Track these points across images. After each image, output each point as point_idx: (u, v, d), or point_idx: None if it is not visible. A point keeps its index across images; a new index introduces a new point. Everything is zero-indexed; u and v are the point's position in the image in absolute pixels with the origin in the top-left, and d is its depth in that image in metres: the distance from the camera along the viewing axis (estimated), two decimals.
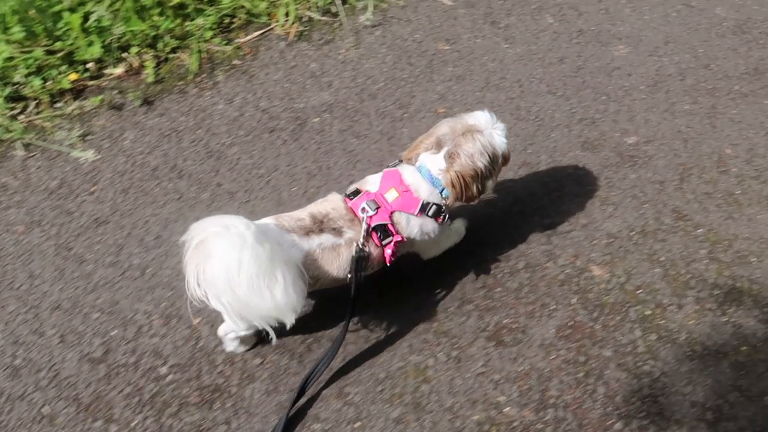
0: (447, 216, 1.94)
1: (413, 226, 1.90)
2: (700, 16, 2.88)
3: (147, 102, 2.60)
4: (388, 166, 1.98)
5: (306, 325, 1.95)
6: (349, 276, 1.82)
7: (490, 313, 1.97)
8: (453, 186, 1.87)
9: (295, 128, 2.49)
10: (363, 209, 1.84)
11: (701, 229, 2.14)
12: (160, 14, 2.75)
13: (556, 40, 2.78)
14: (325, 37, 2.84)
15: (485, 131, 1.91)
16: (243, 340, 1.93)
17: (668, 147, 2.38)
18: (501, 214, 2.21)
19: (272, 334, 1.68)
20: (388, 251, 1.86)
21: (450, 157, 1.88)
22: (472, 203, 1.99)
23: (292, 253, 1.73)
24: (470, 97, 2.56)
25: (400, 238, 1.87)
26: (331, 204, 1.88)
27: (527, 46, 2.75)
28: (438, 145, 1.91)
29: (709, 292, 1.99)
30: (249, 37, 2.84)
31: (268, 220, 1.82)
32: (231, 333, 1.89)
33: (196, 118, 2.54)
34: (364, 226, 1.82)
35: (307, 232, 1.80)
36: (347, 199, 1.89)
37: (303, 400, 1.80)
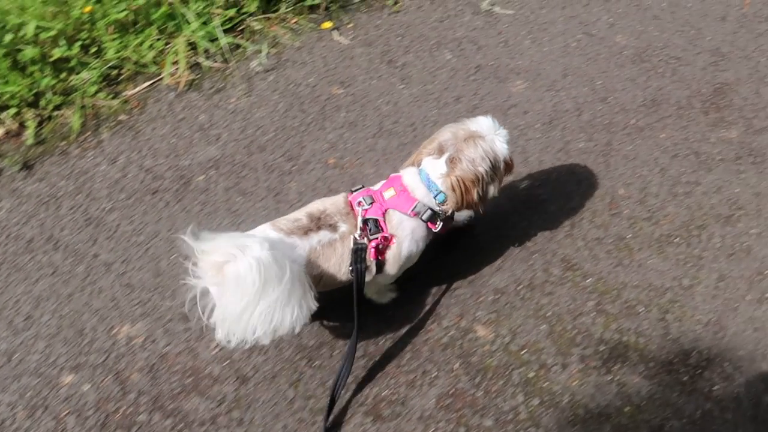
0: (440, 225, 1.93)
1: (405, 227, 1.90)
2: (600, 45, 2.82)
3: (26, 166, 2.48)
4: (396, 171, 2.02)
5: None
6: (350, 269, 1.83)
7: (369, 385, 1.89)
8: (453, 190, 1.87)
9: (179, 188, 2.38)
10: (359, 203, 1.87)
11: (590, 279, 2.09)
12: (41, 70, 2.63)
13: (453, 77, 2.70)
14: (216, 85, 2.73)
15: (487, 137, 1.91)
16: None
17: (561, 190, 2.32)
18: None
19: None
20: (373, 245, 1.85)
21: (451, 162, 1.88)
22: (474, 210, 1.99)
23: (296, 256, 1.75)
24: (362, 144, 2.48)
25: (387, 235, 1.87)
26: (332, 200, 1.91)
27: (423, 86, 2.67)
28: (440, 151, 1.92)
29: (594, 348, 1.93)
30: (137, 90, 2.72)
31: (265, 228, 1.83)
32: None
33: (76, 182, 2.42)
34: (359, 218, 1.85)
35: (306, 231, 1.81)
36: (349, 194, 1.92)
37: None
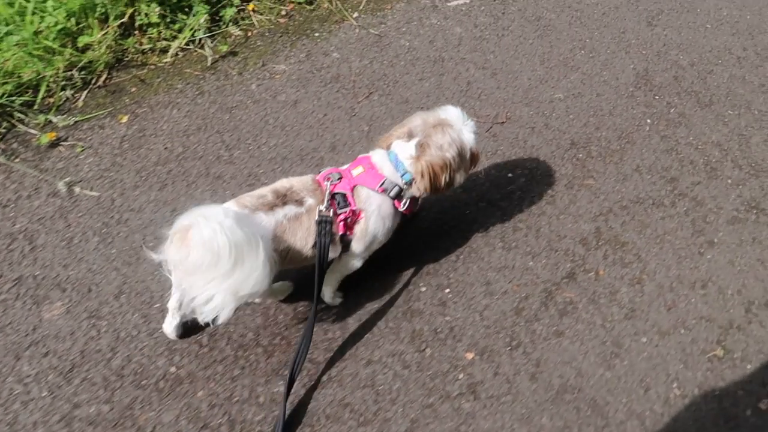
0: (406, 203, 2.03)
1: (372, 203, 1.97)
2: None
3: None
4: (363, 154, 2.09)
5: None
6: (313, 243, 1.87)
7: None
8: (422, 176, 1.97)
9: None
10: (328, 178, 1.94)
11: None
12: None
13: None
14: None
15: (455, 126, 2.02)
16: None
17: None
18: None
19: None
20: (341, 218, 1.91)
21: (421, 147, 1.98)
22: (440, 194, 2.11)
23: (261, 231, 1.77)
24: None
25: (355, 209, 1.93)
26: (298, 178, 1.97)
27: None
28: (409, 135, 2.02)
29: None
30: None
31: (230, 204, 1.85)
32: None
33: None
34: (327, 193, 1.89)
35: (271, 207, 1.85)
36: (317, 175, 1.99)
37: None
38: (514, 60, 3.32)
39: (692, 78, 3.28)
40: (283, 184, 1.94)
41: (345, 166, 2.05)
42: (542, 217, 2.65)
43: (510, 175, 2.81)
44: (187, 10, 3.40)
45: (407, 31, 3.48)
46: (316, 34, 3.45)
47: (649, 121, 3.06)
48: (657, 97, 3.18)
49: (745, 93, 3.22)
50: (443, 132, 1.98)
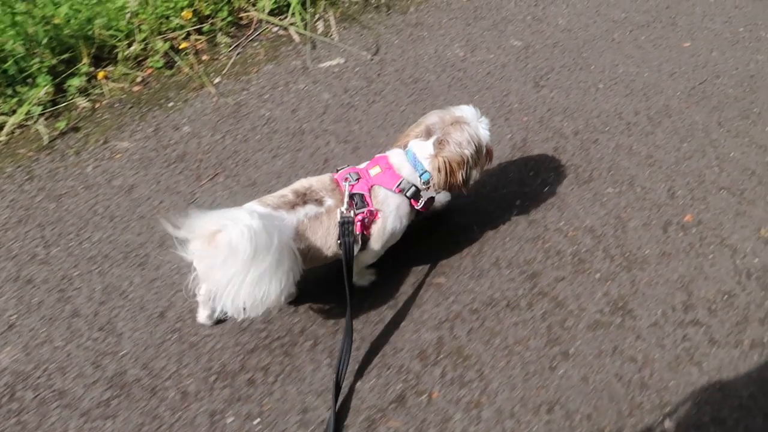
0: (423, 203, 2.06)
1: (390, 203, 2.01)
2: None
3: None
4: (380, 153, 2.13)
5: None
6: (338, 243, 1.92)
7: None
8: (439, 171, 1.99)
9: None
10: (346, 178, 1.97)
11: None
12: None
13: None
14: None
15: (472, 123, 2.05)
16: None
17: None
18: None
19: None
20: (359, 218, 1.95)
21: (439, 144, 2.01)
22: (457, 191, 2.12)
23: (285, 230, 1.81)
24: None
25: (372, 210, 1.97)
26: (317, 178, 2.01)
27: None
28: (427, 133, 2.05)
29: None
30: None
31: (252, 204, 1.90)
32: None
33: None
34: (346, 193, 1.93)
35: (293, 206, 1.89)
36: (335, 174, 2.03)
37: None
38: (381, 131, 3.02)
39: (574, 149, 2.98)
40: (302, 183, 1.99)
41: (363, 165, 2.08)
42: (379, 325, 2.35)
43: None
44: (30, 81, 3.12)
45: (270, 98, 3.19)
46: (170, 104, 3.17)
47: (518, 202, 2.76)
48: (531, 173, 2.88)
49: (630, 166, 2.92)
50: (461, 129, 2.01)
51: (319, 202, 1.94)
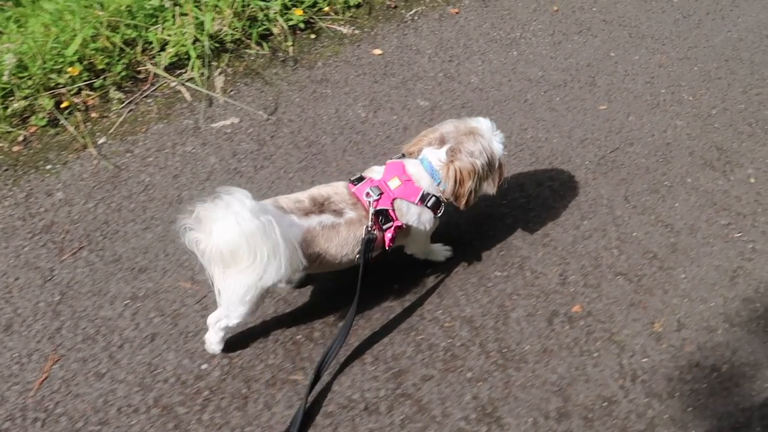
0: (443, 208, 2.13)
1: (412, 214, 2.10)
2: None
3: None
4: (391, 158, 2.16)
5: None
6: (357, 257, 2.03)
7: None
8: (449, 179, 2.04)
9: None
10: (367, 194, 2.01)
11: None
12: None
13: None
14: None
15: (486, 136, 2.10)
16: (225, 336, 2.22)
17: None
18: None
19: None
20: (389, 235, 2.05)
21: (452, 152, 2.05)
22: (462, 203, 2.13)
23: (291, 231, 1.88)
24: None
25: (399, 224, 2.05)
26: (334, 188, 2.06)
27: None
28: (441, 141, 2.10)
29: None
30: None
31: (267, 202, 1.96)
32: (221, 322, 2.12)
33: None
34: (371, 210, 1.99)
35: (307, 213, 1.96)
36: (351, 185, 2.07)
37: None
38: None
39: (467, 225, 2.78)
40: (320, 191, 2.03)
41: (379, 177, 2.11)
42: (223, 428, 2.16)
43: (205, 366, 2.33)
44: None
45: (154, 162, 3.01)
46: (48, 167, 2.99)
47: (396, 286, 2.57)
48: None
49: (523, 246, 2.72)
50: (474, 140, 2.05)
51: (338, 213, 1.99)
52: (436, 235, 2.47)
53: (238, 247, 1.73)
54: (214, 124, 3.18)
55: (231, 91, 3.34)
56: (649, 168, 3.04)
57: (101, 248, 2.68)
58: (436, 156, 2.08)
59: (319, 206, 1.98)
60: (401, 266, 2.60)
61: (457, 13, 3.84)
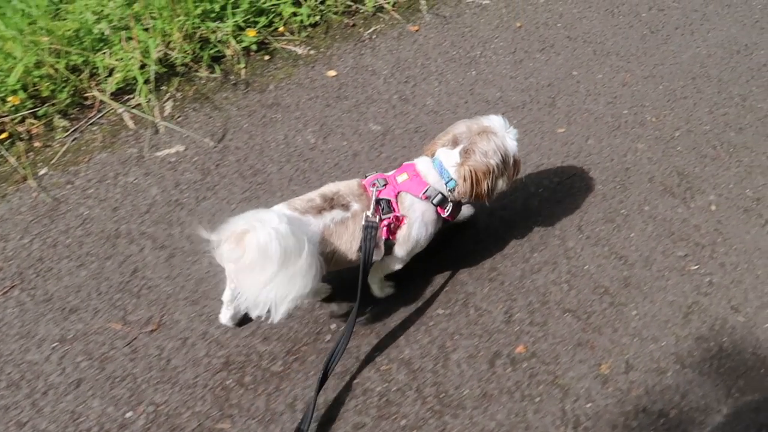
0: (449, 210, 2.10)
1: (416, 209, 2.08)
2: None
3: None
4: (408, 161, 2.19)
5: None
6: (358, 247, 1.99)
7: None
8: (465, 180, 2.04)
9: None
10: (373, 184, 2.05)
11: None
12: None
13: None
14: None
15: (499, 133, 2.09)
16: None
17: None
18: None
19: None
20: (384, 223, 2.02)
21: (465, 153, 2.06)
22: (481, 201, 2.13)
23: (312, 237, 1.88)
24: None
25: (398, 215, 2.04)
26: (345, 183, 2.09)
27: None
28: (454, 143, 2.10)
29: None
30: None
31: (281, 207, 1.99)
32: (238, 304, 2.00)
33: None
34: (373, 198, 2.01)
35: (320, 210, 1.97)
36: (363, 179, 2.11)
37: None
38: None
39: (411, 261, 2.68)
40: (330, 188, 2.04)
41: (391, 173, 2.13)
42: None
43: (130, 413, 2.24)
44: None
45: (94, 193, 2.93)
46: None
47: (333, 326, 2.47)
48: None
49: (469, 281, 2.61)
50: (488, 139, 2.03)
51: (346, 207, 1.99)
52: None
53: (271, 262, 1.71)
54: (159, 153, 3.09)
55: (179, 116, 3.25)
56: (606, 195, 2.92)
57: (33, 287, 2.59)
58: (448, 156, 2.07)
59: (330, 201, 1.99)
60: (339, 305, 2.50)
61: (416, 30, 3.73)
